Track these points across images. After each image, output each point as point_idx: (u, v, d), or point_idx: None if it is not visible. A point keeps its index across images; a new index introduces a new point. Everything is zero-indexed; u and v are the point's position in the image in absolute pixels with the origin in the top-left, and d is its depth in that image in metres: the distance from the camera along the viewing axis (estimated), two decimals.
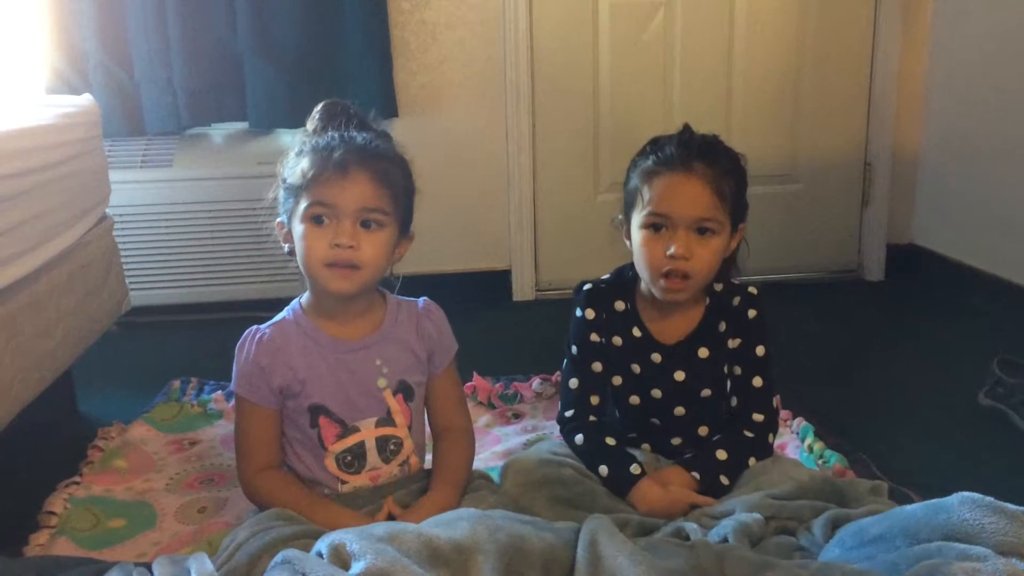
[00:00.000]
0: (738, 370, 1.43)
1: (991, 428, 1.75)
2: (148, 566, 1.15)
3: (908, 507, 1.12)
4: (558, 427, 1.49)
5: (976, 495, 1.06)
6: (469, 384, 1.89)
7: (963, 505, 1.04)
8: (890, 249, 2.87)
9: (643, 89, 2.70)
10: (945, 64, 2.71)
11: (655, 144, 1.38)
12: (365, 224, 1.24)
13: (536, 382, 1.92)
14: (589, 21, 2.65)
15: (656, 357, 1.43)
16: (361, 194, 1.23)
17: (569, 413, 1.45)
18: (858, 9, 2.73)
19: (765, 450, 1.41)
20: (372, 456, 1.30)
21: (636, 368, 1.44)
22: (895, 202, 2.86)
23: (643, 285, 1.43)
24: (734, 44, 2.70)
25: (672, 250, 1.32)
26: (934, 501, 1.08)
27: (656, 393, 1.43)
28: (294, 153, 1.29)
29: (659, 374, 1.43)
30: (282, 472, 1.31)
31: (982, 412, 1.80)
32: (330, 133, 1.28)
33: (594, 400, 1.44)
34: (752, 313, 1.43)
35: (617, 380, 1.45)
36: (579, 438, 1.41)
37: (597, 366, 1.44)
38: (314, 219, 1.24)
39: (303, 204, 1.24)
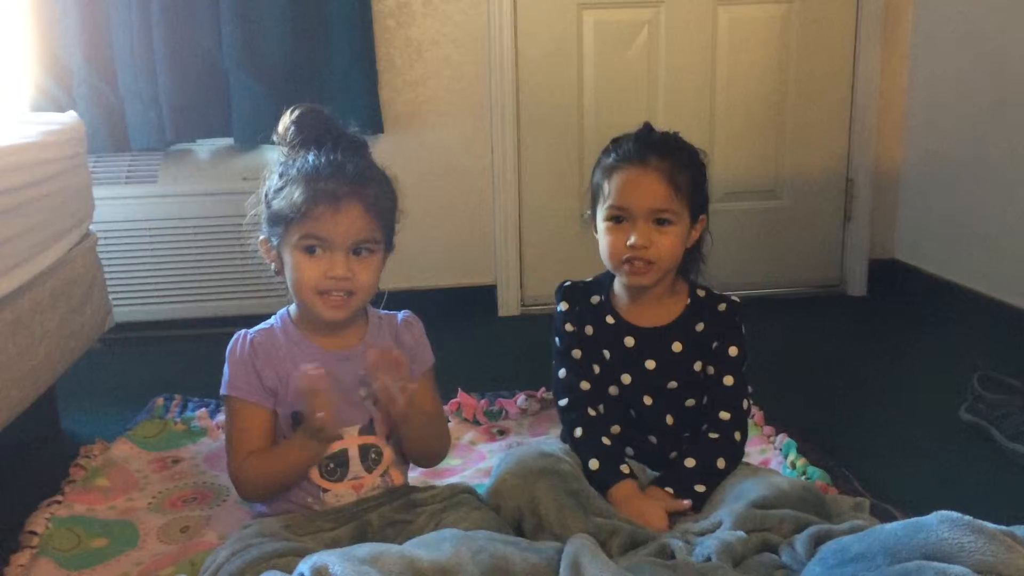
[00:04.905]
0: (711, 370, 1.47)
1: (972, 444, 1.76)
2: None
3: (888, 525, 1.13)
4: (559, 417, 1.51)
5: (955, 514, 1.07)
6: (454, 401, 1.89)
7: (942, 524, 1.05)
8: (872, 264, 2.90)
9: (628, 105, 2.71)
10: (925, 82, 2.74)
11: (615, 142, 1.46)
12: (356, 251, 1.26)
13: (521, 398, 1.92)
14: (574, 38, 2.67)
15: (629, 341, 1.47)
16: (354, 227, 1.25)
17: (564, 402, 1.48)
18: (839, 28, 2.76)
19: (732, 448, 1.43)
20: (355, 464, 1.31)
21: (607, 354, 1.48)
22: (877, 218, 2.88)
23: (616, 281, 1.50)
24: (717, 61, 2.73)
25: (632, 240, 1.39)
26: (913, 520, 1.09)
27: (625, 379, 1.47)
28: (278, 175, 1.29)
29: (629, 360, 1.47)
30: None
31: (963, 427, 1.82)
32: (315, 156, 1.27)
33: (584, 386, 1.47)
34: (734, 319, 1.49)
35: (596, 369, 1.49)
36: (578, 431, 1.44)
37: (576, 353, 1.49)
38: (307, 249, 1.25)
39: (295, 236, 1.25)
